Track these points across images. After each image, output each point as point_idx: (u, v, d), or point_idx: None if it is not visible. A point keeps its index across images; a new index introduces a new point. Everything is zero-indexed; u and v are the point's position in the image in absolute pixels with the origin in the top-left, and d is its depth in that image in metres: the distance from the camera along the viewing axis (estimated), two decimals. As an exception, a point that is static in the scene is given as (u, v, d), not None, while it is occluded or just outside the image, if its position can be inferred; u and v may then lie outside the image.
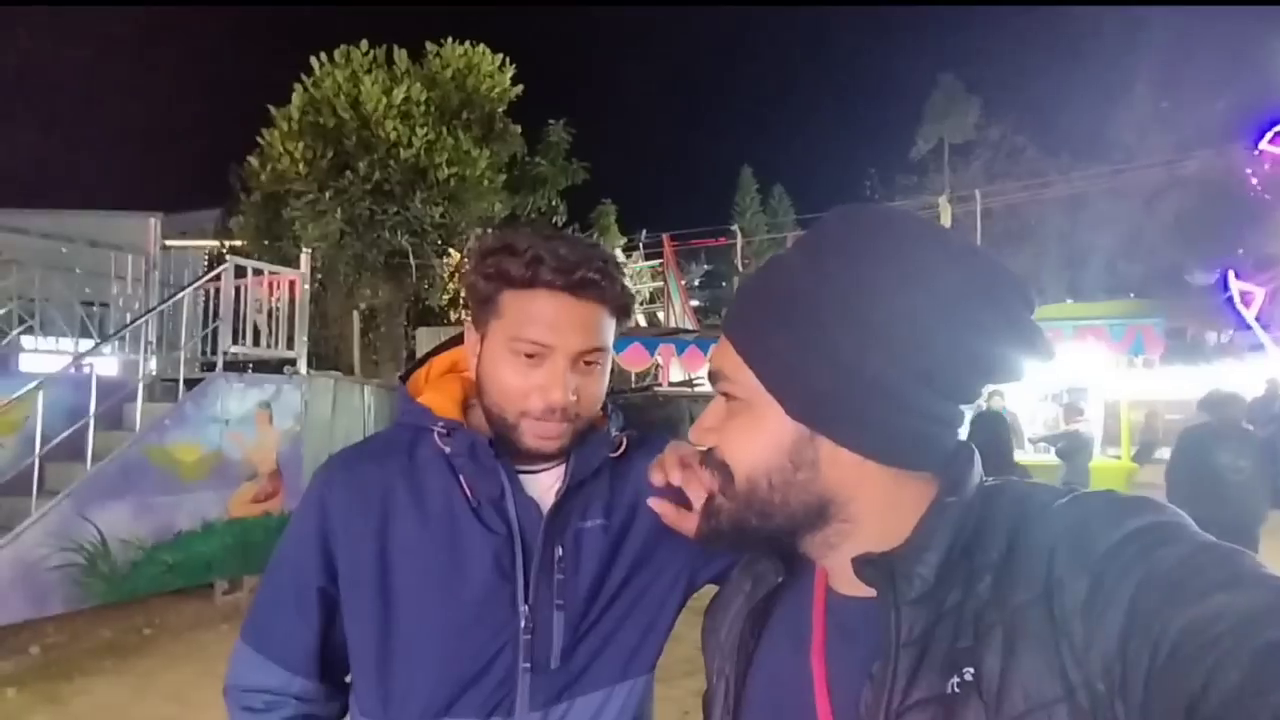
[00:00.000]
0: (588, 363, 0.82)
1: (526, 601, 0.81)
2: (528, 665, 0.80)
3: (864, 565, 0.54)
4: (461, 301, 12.66)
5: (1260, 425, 5.56)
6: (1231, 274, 15.70)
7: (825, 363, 0.53)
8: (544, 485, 0.87)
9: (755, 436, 0.56)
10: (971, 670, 0.48)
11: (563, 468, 0.87)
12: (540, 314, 0.79)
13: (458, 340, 0.96)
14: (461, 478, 0.84)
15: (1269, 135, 15.36)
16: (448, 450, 0.83)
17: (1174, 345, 12.07)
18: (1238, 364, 12.99)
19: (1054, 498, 0.53)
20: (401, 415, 0.90)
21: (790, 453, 0.55)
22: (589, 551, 0.86)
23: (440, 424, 0.84)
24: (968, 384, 0.55)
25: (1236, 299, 14.94)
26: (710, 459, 0.60)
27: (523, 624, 0.81)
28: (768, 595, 0.64)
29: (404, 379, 0.95)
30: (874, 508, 0.56)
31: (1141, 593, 0.44)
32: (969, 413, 0.61)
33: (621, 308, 0.85)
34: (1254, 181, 15.77)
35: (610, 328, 0.84)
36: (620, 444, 0.90)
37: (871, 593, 0.54)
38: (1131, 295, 18.31)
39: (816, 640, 0.59)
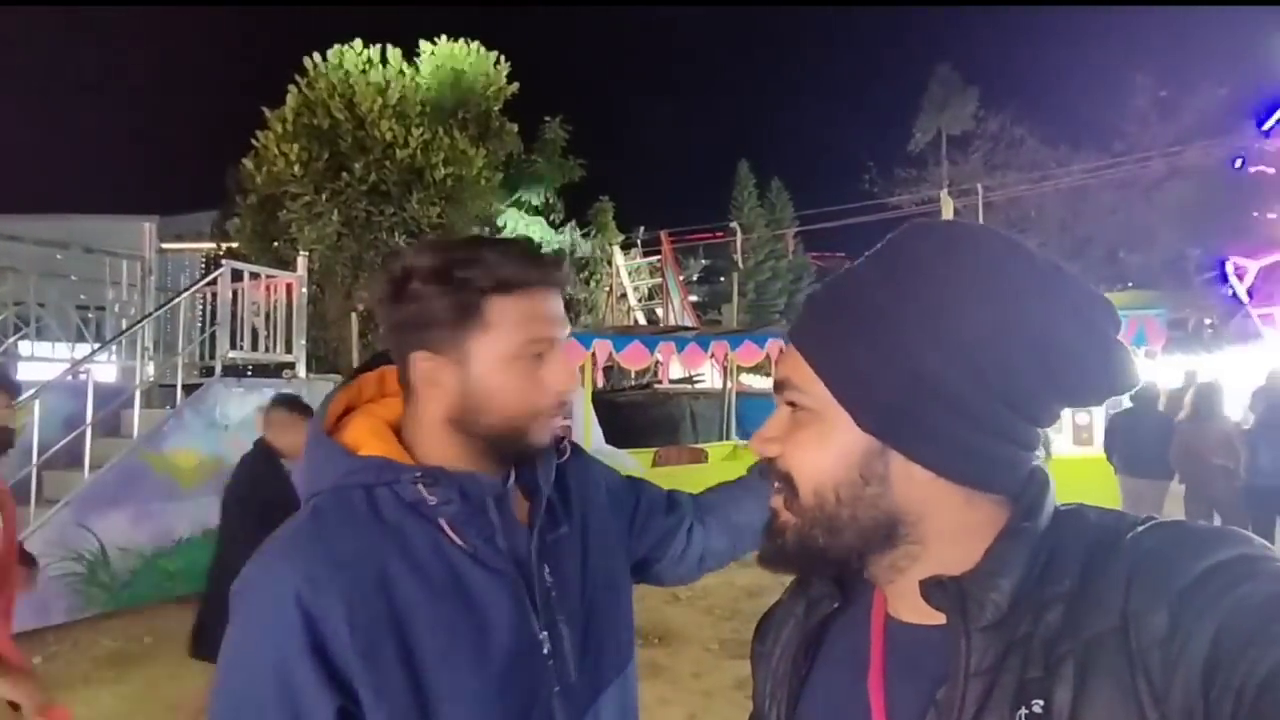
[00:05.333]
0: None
1: (542, 628, 0.80)
2: (558, 689, 0.80)
3: (933, 588, 0.52)
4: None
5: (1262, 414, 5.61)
6: (1230, 265, 15.77)
7: (902, 376, 0.52)
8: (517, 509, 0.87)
9: (824, 448, 0.55)
10: (1040, 703, 0.46)
11: (516, 485, 0.86)
12: (540, 312, 0.81)
13: (347, 381, 0.89)
14: (443, 523, 0.78)
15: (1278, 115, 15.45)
16: (433, 501, 0.76)
17: (1175, 336, 12.06)
18: (1239, 353, 13.00)
19: (1130, 525, 0.51)
20: (346, 475, 0.78)
21: (860, 466, 0.54)
22: (567, 559, 0.87)
23: (417, 472, 0.77)
24: (1047, 406, 0.54)
25: (1237, 286, 15.04)
26: (774, 470, 0.58)
27: (545, 650, 0.80)
28: (822, 620, 0.63)
29: (314, 432, 0.84)
30: (945, 529, 0.54)
31: (1225, 631, 0.42)
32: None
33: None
34: (1261, 164, 15.81)
35: None
36: (565, 449, 0.91)
37: (936, 619, 0.52)
38: (1130, 285, 18.29)
39: (875, 668, 0.57)
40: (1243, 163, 16.00)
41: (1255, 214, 15.46)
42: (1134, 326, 7.18)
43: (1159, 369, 8.77)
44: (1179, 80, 20.63)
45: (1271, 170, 15.58)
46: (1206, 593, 0.44)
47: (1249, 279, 15.13)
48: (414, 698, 0.72)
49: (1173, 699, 0.42)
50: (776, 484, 0.58)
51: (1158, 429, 5.73)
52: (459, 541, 0.78)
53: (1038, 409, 0.53)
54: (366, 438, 0.81)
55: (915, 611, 0.55)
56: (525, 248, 0.82)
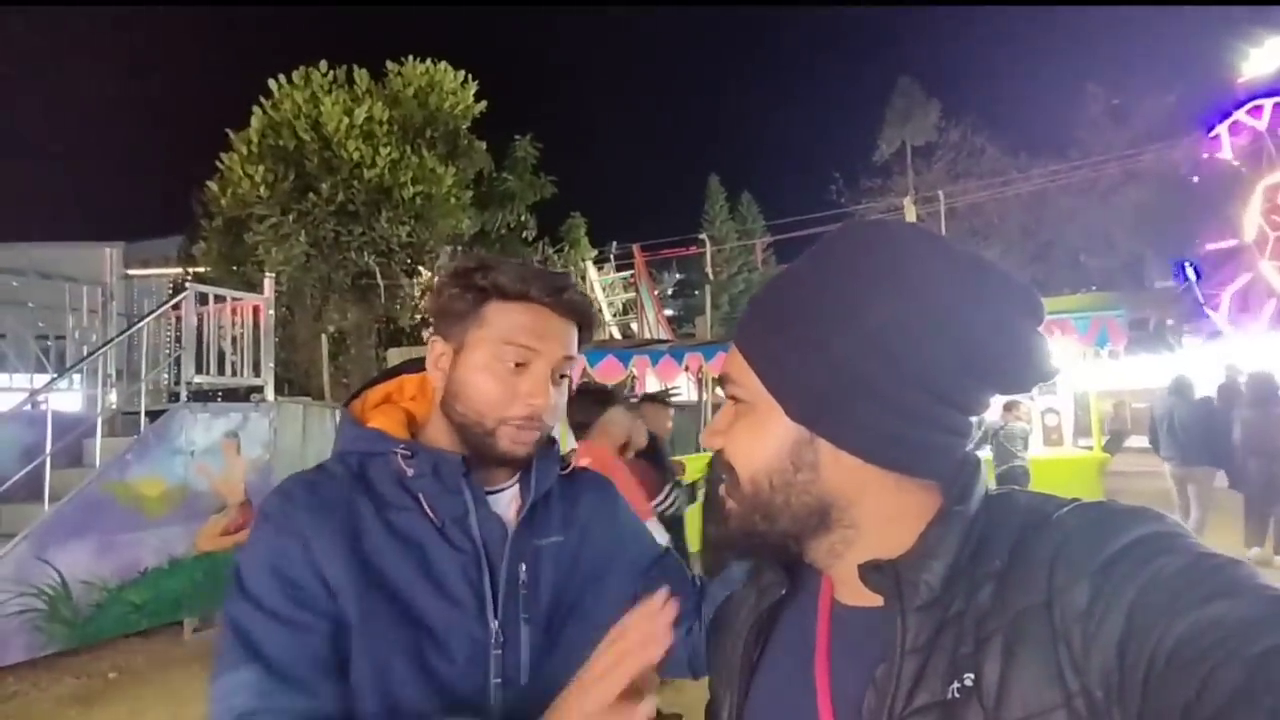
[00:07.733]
0: (562, 375, 0.89)
1: (496, 617, 0.83)
2: (499, 680, 0.82)
3: (870, 572, 0.54)
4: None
5: (1233, 407, 5.84)
6: (1189, 265, 16.28)
7: (822, 366, 0.54)
8: (503, 504, 0.90)
9: (758, 438, 0.58)
10: (971, 676, 0.48)
11: (518, 488, 0.91)
12: (529, 323, 0.86)
13: (391, 374, 0.99)
14: (422, 498, 0.85)
15: (1246, 108, 16.06)
16: (410, 472, 0.84)
17: (1137, 336, 12.38)
18: (1198, 351, 13.38)
19: (1056, 507, 0.53)
20: (348, 443, 0.89)
21: (790, 454, 0.56)
22: (549, 567, 0.89)
23: (401, 446, 0.85)
24: (970, 393, 0.55)
25: (1189, 273, 15.54)
26: (719, 460, 0.62)
27: (493, 639, 0.82)
28: (772, 607, 0.65)
29: (346, 405, 0.95)
30: (877, 514, 0.57)
31: (1140, 601, 0.44)
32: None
33: (589, 330, 0.93)
34: (1228, 156, 16.36)
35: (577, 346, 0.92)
36: (568, 463, 0.97)
37: (876, 601, 0.55)
38: (1094, 288, 18.73)
39: (820, 650, 0.59)
40: (1208, 152, 16.51)
41: (1223, 203, 15.94)
42: (1096, 327, 7.34)
43: (1197, 364, 8.92)
44: (1129, 89, 21.34)
45: (1235, 160, 16.12)
46: (1123, 568, 0.46)
47: (1197, 267, 15.66)
48: (355, 624, 0.78)
49: (1092, 669, 0.44)
50: (721, 472, 0.61)
51: (1204, 419, 5.95)
52: (431, 515, 0.84)
53: (961, 396, 0.55)
54: (378, 417, 0.92)
55: (857, 594, 0.57)
56: (542, 270, 0.89)
